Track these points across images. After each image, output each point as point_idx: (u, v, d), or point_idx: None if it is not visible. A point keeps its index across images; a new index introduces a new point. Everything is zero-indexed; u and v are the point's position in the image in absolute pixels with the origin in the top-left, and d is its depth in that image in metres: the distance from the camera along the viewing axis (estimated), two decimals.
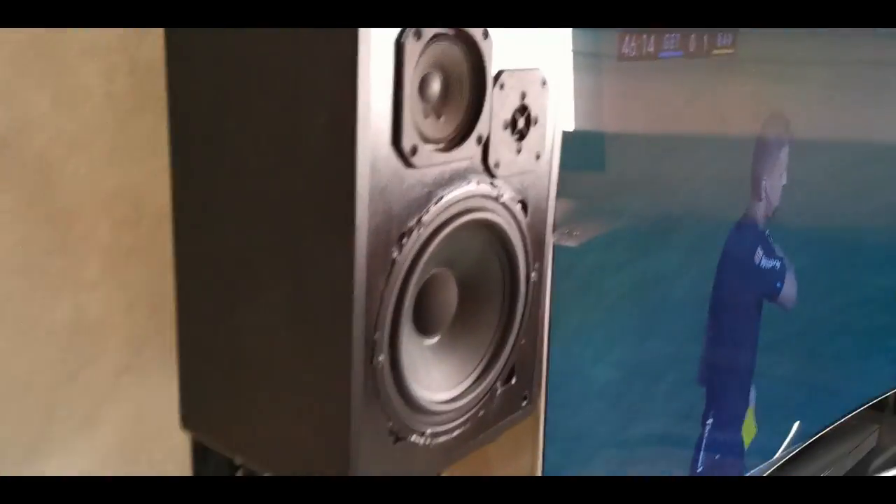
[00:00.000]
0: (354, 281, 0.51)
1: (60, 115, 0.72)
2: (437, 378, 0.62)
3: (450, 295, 0.63)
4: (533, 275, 0.66)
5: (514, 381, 0.69)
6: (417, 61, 0.53)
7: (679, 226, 1.13)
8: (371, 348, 0.54)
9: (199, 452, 0.89)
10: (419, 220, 0.55)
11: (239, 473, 0.80)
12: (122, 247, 0.79)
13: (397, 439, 0.59)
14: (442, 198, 0.57)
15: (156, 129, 0.71)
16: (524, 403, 0.71)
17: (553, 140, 0.66)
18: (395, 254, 0.54)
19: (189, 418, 0.66)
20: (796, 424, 1.43)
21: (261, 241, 0.57)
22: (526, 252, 0.65)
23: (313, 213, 0.53)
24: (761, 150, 1.23)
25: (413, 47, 0.52)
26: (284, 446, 0.59)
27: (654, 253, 1.09)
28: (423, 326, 0.61)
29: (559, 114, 0.66)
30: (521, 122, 0.62)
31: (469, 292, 0.64)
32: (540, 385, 0.73)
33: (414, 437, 0.60)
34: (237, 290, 0.59)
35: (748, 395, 1.35)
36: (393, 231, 0.54)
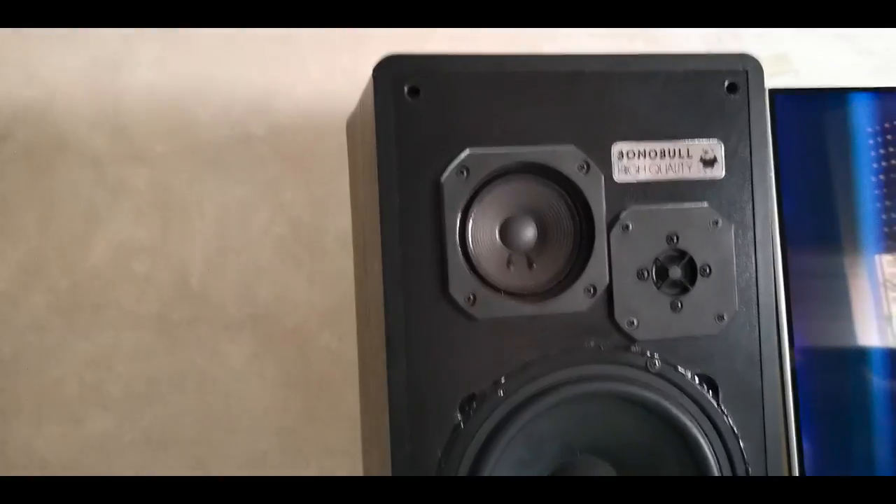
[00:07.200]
0: None
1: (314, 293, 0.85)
2: None
3: None
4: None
5: None
6: (469, 202, 0.51)
7: None
8: None
9: None
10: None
11: None
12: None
13: None
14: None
15: None
16: None
17: (757, 293, 0.54)
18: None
19: None
20: None
21: None
22: (726, 449, 0.54)
23: None
24: None
25: (456, 187, 0.50)
26: None
27: None
28: None
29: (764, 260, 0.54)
30: (675, 272, 0.53)
31: None
32: None
33: None
34: None
35: None
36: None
